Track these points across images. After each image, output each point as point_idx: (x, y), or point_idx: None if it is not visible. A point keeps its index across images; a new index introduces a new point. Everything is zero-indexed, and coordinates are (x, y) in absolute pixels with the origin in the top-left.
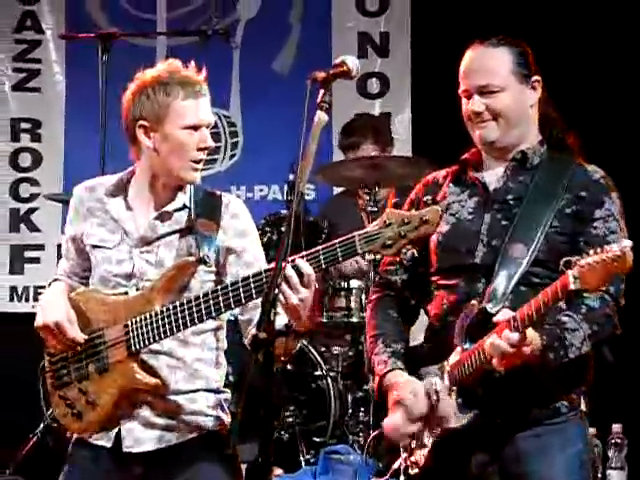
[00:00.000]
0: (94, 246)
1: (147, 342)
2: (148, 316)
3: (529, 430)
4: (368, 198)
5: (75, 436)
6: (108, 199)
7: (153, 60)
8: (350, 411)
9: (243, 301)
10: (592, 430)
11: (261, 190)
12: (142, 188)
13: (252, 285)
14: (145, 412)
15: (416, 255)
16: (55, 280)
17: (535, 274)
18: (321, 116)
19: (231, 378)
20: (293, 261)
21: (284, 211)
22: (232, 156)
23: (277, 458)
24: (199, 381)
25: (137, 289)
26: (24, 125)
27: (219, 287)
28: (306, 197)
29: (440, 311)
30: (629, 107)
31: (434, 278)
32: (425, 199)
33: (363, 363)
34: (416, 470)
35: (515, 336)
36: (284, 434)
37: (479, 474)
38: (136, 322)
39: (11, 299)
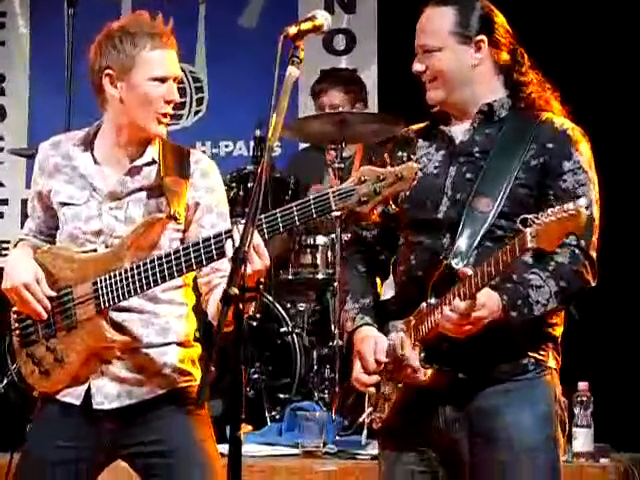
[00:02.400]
0: (62, 203)
1: (116, 300)
2: (117, 273)
3: (497, 386)
4: (335, 154)
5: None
6: (75, 154)
7: (119, 14)
8: (315, 368)
9: (216, 257)
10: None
11: (227, 146)
12: (109, 142)
13: (213, 246)
14: (115, 368)
15: (387, 210)
16: (20, 240)
17: (500, 227)
18: (293, 71)
19: (196, 334)
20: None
21: (250, 167)
22: (197, 112)
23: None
24: (170, 334)
25: (106, 246)
26: None
27: (190, 243)
28: (274, 153)
29: (407, 266)
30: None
31: (402, 233)
32: (399, 155)
33: (329, 319)
34: (379, 424)
35: (462, 305)
36: (249, 391)
37: (446, 429)
38: (105, 279)
39: None
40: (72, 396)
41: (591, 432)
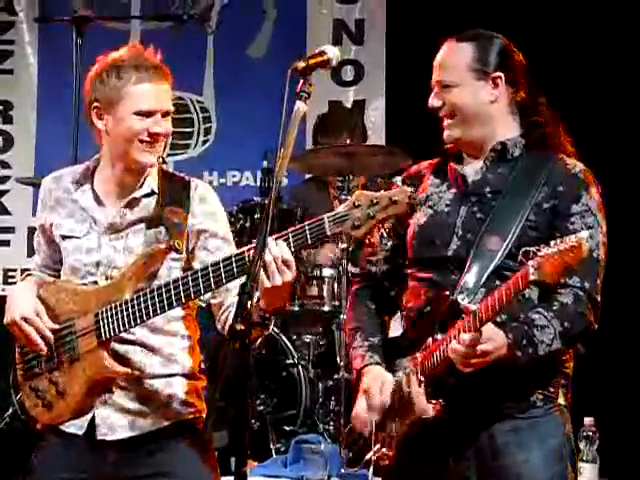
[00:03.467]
0: (64, 236)
1: (117, 330)
2: (118, 305)
3: (505, 422)
4: (341, 186)
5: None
6: (75, 188)
7: (126, 44)
8: (321, 400)
9: (213, 286)
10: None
11: (234, 176)
12: (107, 175)
13: (222, 270)
14: (120, 399)
15: (395, 245)
16: (27, 274)
17: (508, 267)
18: (301, 106)
19: (202, 365)
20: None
21: (257, 198)
22: (205, 141)
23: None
24: (175, 366)
25: (106, 277)
26: None
27: (189, 273)
28: (282, 183)
29: (415, 303)
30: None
31: (410, 270)
32: (395, 180)
33: (334, 352)
34: (387, 462)
35: (467, 337)
36: (255, 423)
37: (455, 467)
38: (106, 311)
39: None
40: (76, 427)
41: (597, 467)
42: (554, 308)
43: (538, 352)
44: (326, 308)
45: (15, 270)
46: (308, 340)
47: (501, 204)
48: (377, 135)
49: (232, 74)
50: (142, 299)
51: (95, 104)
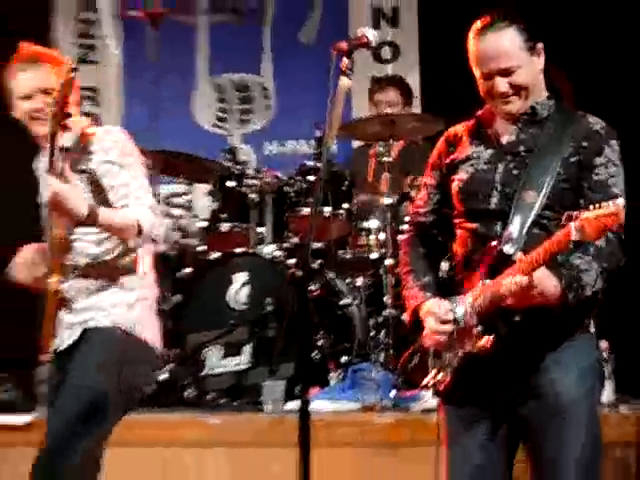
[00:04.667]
0: None
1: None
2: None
3: (549, 353)
4: (382, 151)
5: None
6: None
7: (195, 35)
8: (372, 334)
9: None
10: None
11: (292, 145)
12: None
13: None
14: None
15: (441, 200)
16: None
17: (545, 217)
18: (345, 82)
19: (269, 308)
20: None
21: (311, 162)
22: (265, 116)
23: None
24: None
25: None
26: (84, 92)
27: None
28: (332, 150)
29: (463, 250)
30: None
31: (457, 220)
32: (451, 150)
33: (382, 292)
34: (443, 386)
35: (524, 280)
36: (315, 355)
37: (502, 389)
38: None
39: None
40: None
41: (612, 384)
42: (591, 251)
43: (586, 293)
44: (373, 255)
45: None
46: (359, 283)
47: (534, 161)
48: (413, 106)
49: (286, 57)
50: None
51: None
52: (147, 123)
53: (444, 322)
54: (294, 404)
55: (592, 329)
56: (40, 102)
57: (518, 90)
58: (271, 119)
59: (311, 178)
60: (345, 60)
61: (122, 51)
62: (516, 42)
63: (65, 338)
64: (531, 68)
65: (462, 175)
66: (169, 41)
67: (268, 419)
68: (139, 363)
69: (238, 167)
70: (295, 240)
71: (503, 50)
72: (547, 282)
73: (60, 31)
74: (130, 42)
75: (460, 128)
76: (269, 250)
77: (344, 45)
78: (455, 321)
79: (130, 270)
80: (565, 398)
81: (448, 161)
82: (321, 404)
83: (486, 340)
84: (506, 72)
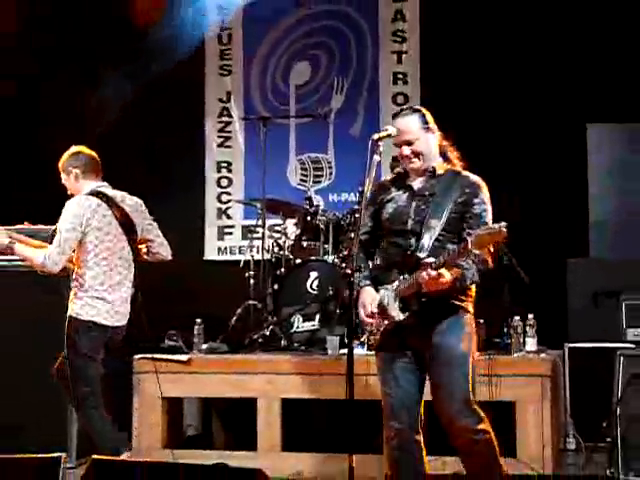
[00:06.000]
0: None
1: None
2: None
3: (442, 322)
4: None
5: None
6: None
7: (288, 130)
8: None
9: None
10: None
11: (344, 196)
12: None
13: None
14: None
15: (374, 225)
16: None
17: (443, 235)
18: (376, 158)
19: (330, 293)
20: None
21: (356, 206)
22: (330, 178)
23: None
24: None
25: None
26: (222, 164)
27: None
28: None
29: (387, 256)
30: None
31: (384, 236)
32: (381, 197)
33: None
34: (372, 344)
35: (433, 273)
36: (357, 321)
37: (415, 346)
38: None
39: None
40: None
41: (535, 340)
42: (472, 257)
43: (467, 283)
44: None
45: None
46: None
47: (435, 201)
48: None
49: (342, 143)
50: None
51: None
52: (260, 183)
53: (370, 311)
54: (344, 350)
55: (470, 308)
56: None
57: (417, 155)
58: (332, 180)
59: (356, 215)
60: (376, 145)
61: (244, 139)
62: (416, 123)
63: None
64: (425, 141)
65: (389, 209)
66: (272, 134)
67: (330, 359)
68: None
69: (313, 208)
70: (345, 252)
71: (407, 128)
72: (446, 275)
73: (208, 127)
74: (250, 134)
75: (387, 180)
76: (331, 258)
77: (375, 136)
78: (382, 303)
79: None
80: (449, 350)
81: (379, 200)
82: (360, 350)
83: (404, 315)
84: (409, 142)
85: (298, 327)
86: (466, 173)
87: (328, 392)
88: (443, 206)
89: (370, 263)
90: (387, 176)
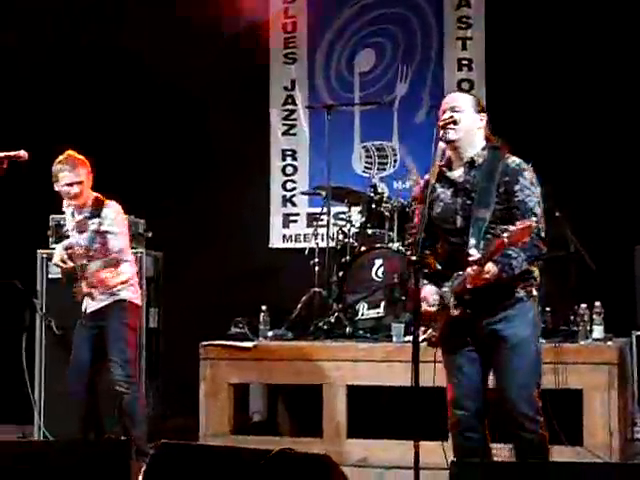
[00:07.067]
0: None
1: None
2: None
3: (501, 312)
4: None
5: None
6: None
7: (352, 118)
8: None
9: None
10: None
11: (409, 181)
12: None
13: None
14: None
15: (428, 222)
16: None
17: (492, 228)
18: (441, 145)
19: (395, 280)
20: None
21: None
22: (394, 165)
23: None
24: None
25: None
26: (287, 152)
27: None
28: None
29: (446, 254)
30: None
31: (440, 234)
32: (427, 192)
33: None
34: (433, 340)
35: (475, 268)
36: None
37: (475, 338)
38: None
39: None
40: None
41: (602, 328)
42: (519, 245)
43: (514, 272)
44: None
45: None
46: None
47: (478, 193)
48: None
49: (407, 130)
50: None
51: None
52: (324, 171)
53: (430, 305)
54: (409, 337)
55: (535, 293)
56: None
57: (457, 125)
58: (397, 168)
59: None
60: (441, 132)
61: (309, 127)
62: (467, 100)
63: None
64: (470, 117)
65: (437, 209)
66: (336, 122)
67: (395, 346)
68: None
69: (378, 196)
70: (411, 240)
71: (457, 99)
72: (491, 268)
73: (274, 116)
74: (314, 122)
75: (430, 177)
76: (395, 245)
77: (441, 123)
78: (441, 299)
79: None
80: (512, 337)
81: (426, 198)
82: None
83: (460, 309)
84: (452, 109)
85: (363, 314)
86: (507, 157)
87: (393, 379)
88: (487, 198)
89: (428, 260)
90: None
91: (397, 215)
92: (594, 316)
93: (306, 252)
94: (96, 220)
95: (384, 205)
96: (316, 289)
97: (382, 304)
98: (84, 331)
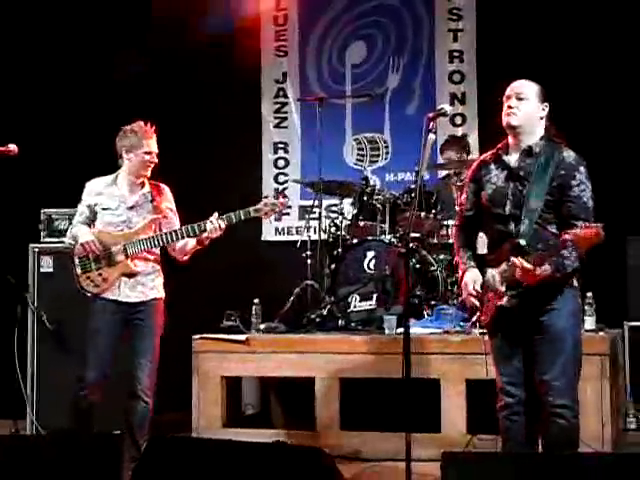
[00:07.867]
0: (103, 208)
1: (135, 252)
2: (136, 240)
3: (547, 304)
4: (456, 178)
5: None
6: (109, 185)
7: (344, 110)
8: (449, 287)
9: (180, 238)
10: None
11: (401, 175)
12: (127, 180)
13: (185, 230)
14: (129, 282)
15: (475, 202)
16: (78, 224)
17: (543, 219)
18: (432, 137)
19: (387, 272)
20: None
21: (412, 186)
22: (386, 157)
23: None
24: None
25: (128, 228)
26: (279, 145)
27: (173, 229)
28: (425, 178)
29: (492, 239)
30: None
31: (486, 219)
32: (482, 172)
33: (456, 263)
34: (483, 324)
35: (529, 266)
36: (414, 301)
37: (520, 327)
38: (130, 243)
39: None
40: (113, 294)
41: (594, 319)
42: (572, 245)
43: (567, 271)
44: (450, 241)
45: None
46: (442, 257)
47: (532, 182)
48: (474, 151)
49: (398, 122)
50: (147, 238)
51: (124, 148)
52: (316, 163)
53: (474, 291)
54: (401, 329)
55: (576, 284)
56: (153, 158)
57: (520, 110)
58: (389, 160)
59: (412, 194)
60: (432, 124)
61: (300, 120)
62: (534, 88)
63: None
64: (534, 105)
65: (488, 190)
66: (328, 114)
67: (387, 338)
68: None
69: (369, 188)
70: (401, 232)
71: (524, 86)
72: (546, 268)
73: (265, 108)
74: (306, 115)
75: (487, 157)
76: (387, 238)
77: (431, 115)
78: (487, 284)
79: None
80: (555, 329)
81: (479, 178)
82: (417, 329)
83: (507, 298)
84: (517, 95)
85: (355, 306)
86: (564, 151)
87: (385, 371)
88: (540, 188)
89: (473, 241)
90: (487, 153)
91: (389, 207)
92: (586, 307)
93: (298, 245)
94: (158, 199)
95: (376, 197)
96: (308, 282)
97: (374, 296)
98: (110, 319)
